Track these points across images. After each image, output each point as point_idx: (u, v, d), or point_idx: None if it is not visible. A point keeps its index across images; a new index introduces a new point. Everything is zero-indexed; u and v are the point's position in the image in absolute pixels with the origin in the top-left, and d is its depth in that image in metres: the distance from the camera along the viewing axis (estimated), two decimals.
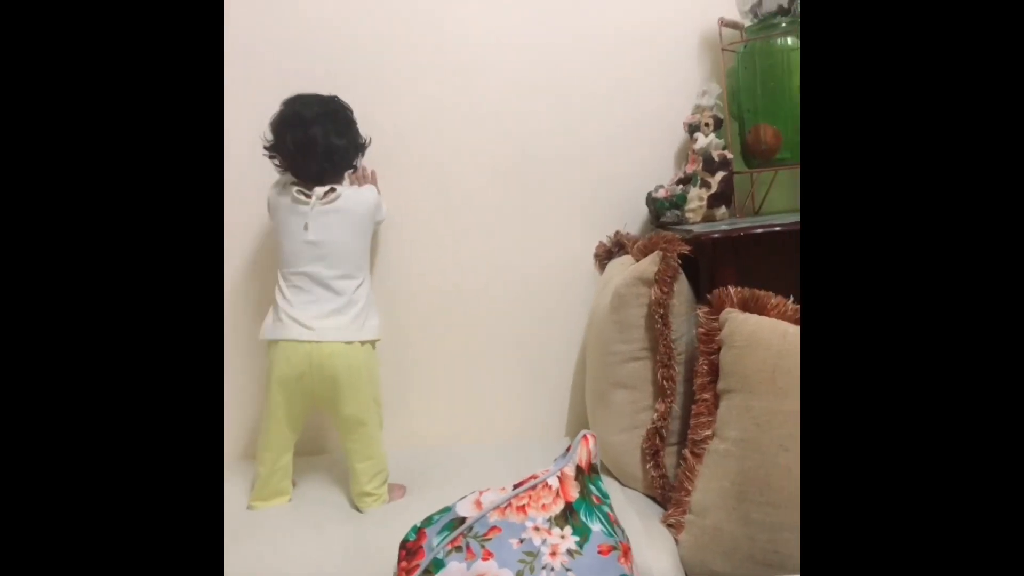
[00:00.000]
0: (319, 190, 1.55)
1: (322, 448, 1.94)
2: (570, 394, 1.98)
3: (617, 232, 1.88)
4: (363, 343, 1.57)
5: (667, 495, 1.48)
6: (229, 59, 1.78)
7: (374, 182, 1.75)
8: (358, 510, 1.57)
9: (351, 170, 1.67)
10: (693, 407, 1.43)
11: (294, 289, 1.56)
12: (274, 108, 1.59)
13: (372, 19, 1.84)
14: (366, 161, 1.77)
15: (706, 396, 1.41)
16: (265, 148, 1.60)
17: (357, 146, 1.64)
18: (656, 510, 1.48)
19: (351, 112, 1.64)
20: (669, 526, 1.40)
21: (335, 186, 1.57)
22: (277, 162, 1.61)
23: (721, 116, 1.77)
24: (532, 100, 1.89)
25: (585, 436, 1.28)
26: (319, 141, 1.54)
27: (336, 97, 1.63)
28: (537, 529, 1.18)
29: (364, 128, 1.68)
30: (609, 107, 1.90)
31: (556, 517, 1.20)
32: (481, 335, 1.95)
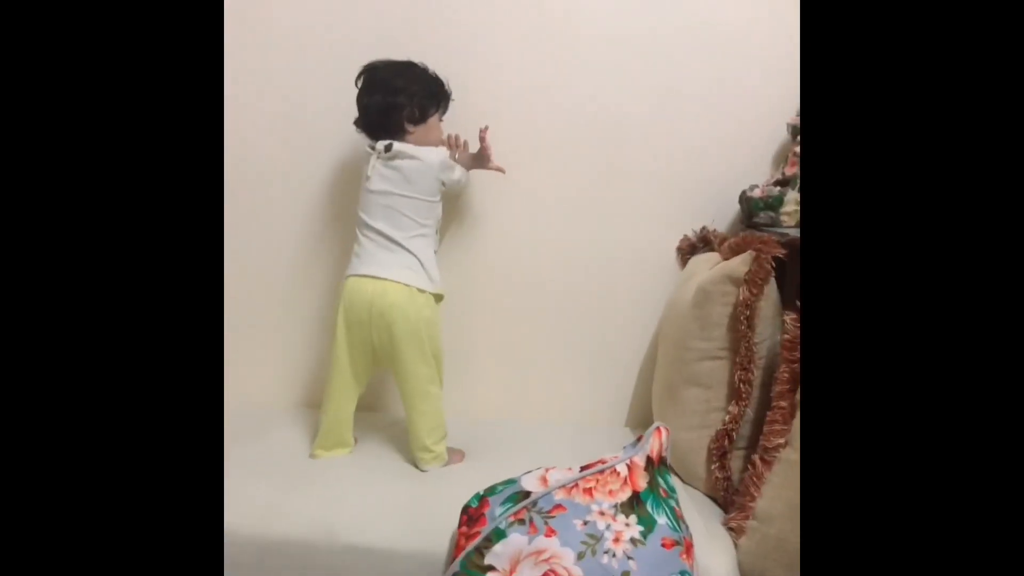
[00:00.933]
0: (380, 144, 1.62)
1: (385, 407, 1.96)
2: (635, 385, 1.96)
3: (704, 227, 1.84)
4: (423, 292, 1.60)
5: (730, 498, 1.45)
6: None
7: (459, 148, 1.76)
8: (418, 468, 1.58)
9: (411, 128, 1.66)
10: (768, 413, 1.40)
11: (362, 237, 1.63)
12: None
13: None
14: (455, 128, 1.78)
15: (783, 404, 1.38)
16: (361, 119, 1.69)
17: (417, 103, 1.65)
18: (717, 512, 1.46)
19: (423, 73, 1.67)
20: (730, 529, 1.38)
21: (394, 143, 1.62)
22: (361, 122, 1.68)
23: None
24: (630, 87, 1.86)
25: (659, 428, 1.27)
26: (378, 89, 1.63)
27: (415, 62, 1.68)
28: (602, 514, 1.17)
29: (456, 105, 1.72)
30: (709, 100, 1.86)
31: (622, 504, 1.19)
32: (552, 314, 1.94)
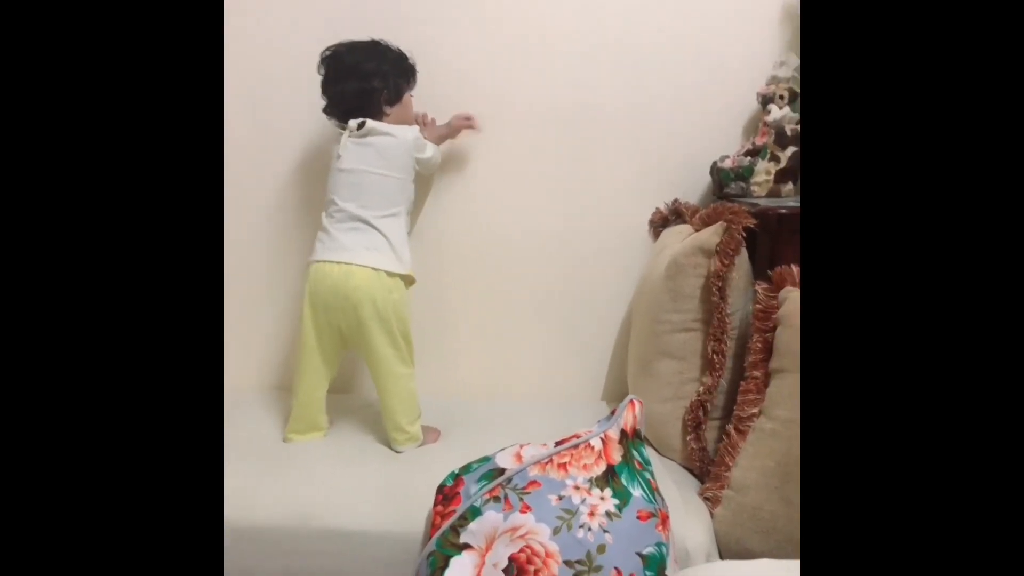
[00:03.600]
0: (353, 122, 1.59)
1: (358, 389, 1.95)
2: (610, 359, 1.96)
3: (675, 200, 1.83)
4: (391, 274, 1.57)
5: (705, 468, 1.46)
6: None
7: (427, 126, 1.75)
8: (393, 450, 1.57)
9: (384, 107, 1.64)
10: (742, 383, 1.40)
11: (331, 218, 1.60)
12: None
13: None
14: (426, 108, 1.76)
15: (756, 374, 1.38)
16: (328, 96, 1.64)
17: (391, 84, 1.63)
18: (693, 482, 1.47)
19: (388, 51, 1.64)
20: (706, 499, 1.38)
21: (367, 119, 1.59)
22: (324, 98, 1.64)
23: (797, 89, 1.71)
24: (597, 54, 1.84)
25: (632, 401, 1.26)
26: (349, 75, 1.60)
27: (378, 40, 1.64)
28: (577, 488, 1.17)
29: (422, 74, 1.69)
30: (678, 70, 1.84)
31: (597, 478, 1.19)
32: (524, 290, 1.93)
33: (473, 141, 1.84)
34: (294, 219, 1.89)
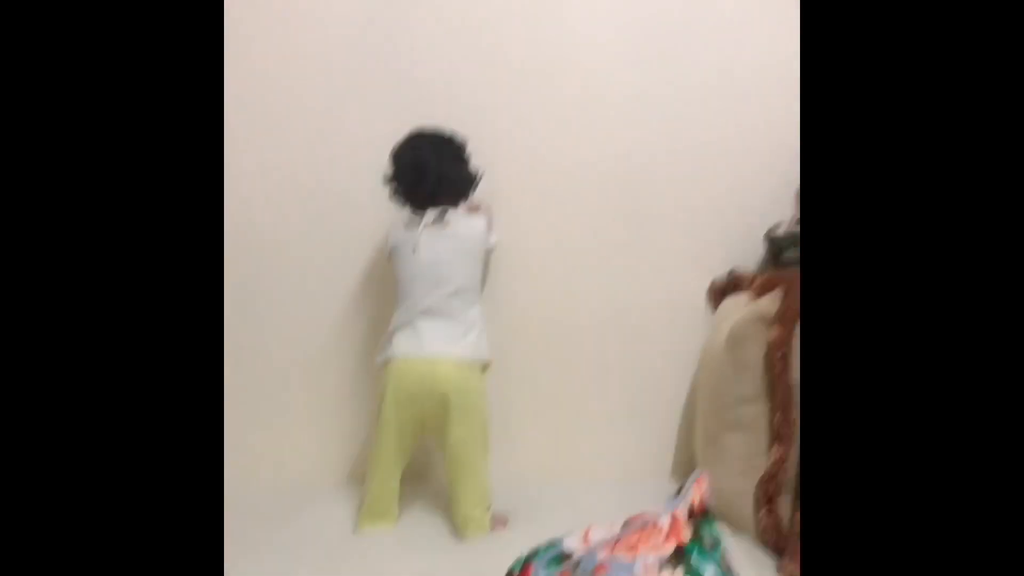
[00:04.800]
0: (430, 213, 1.62)
1: (426, 475, 1.95)
2: (676, 435, 1.93)
3: (732, 270, 1.83)
4: (474, 365, 1.59)
5: (781, 544, 1.41)
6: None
7: (488, 214, 1.78)
8: (461, 537, 1.56)
9: (463, 199, 1.70)
10: None
11: (409, 311, 1.60)
12: None
13: (487, 54, 1.88)
14: (482, 194, 1.81)
15: None
16: (385, 178, 1.66)
17: (468, 177, 1.69)
18: (768, 560, 1.42)
19: (464, 145, 1.69)
20: None
21: (445, 210, 1.63)
22: (393, 189, 1.66)
23: None
24: (649, 132, 1.88)
25: (699, 478, 1.24)
26: (430, 166, 1.62)
27: (452, 132, 1.69)
28: (647, 570, 1.14)
29: (478, 160, 1.73)
30: (729, 143, 1.87)
31: (667, 559, 1.15)
32: (586, 369, 1.93)
33: (528, 218, 1.88)
34: (355, 314, 1.93)
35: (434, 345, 1.56)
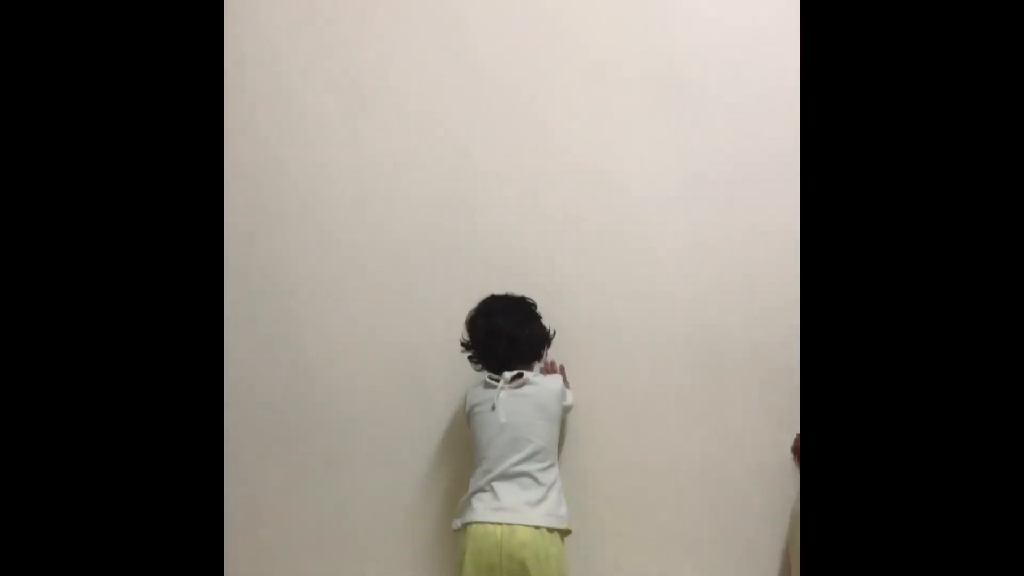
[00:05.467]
0: (507, 374, 1.66)
1: None
2: None
3: None
4: (553, 531, 1.57)
5: None
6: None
7: (562, 373, 1.82)
8: None
9: (537, 359, 1.74)
10: None
11: (487, 473, 1.61)
12: None
13: (555, 220, 1.96)
14: (555, 356, 1.85)
15: None
16: (462, 344, 1.74)
17: (541, 337, 1.75)
18: None
19: (535, 306, 1.77)
20: None
21: (522, 371, 1.66)
22: (471, 355, 1.73)
23: None
24: (718, 288, 1.90)
25: None
26: (504, 329, 1.69)
27: (522, 295, 1.77)
28: None
29: (549, 321, 1.79)
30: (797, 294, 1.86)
31: None
32: (670, 535, 1.86)
33: (603, 379, 1.89)
34: (443, 476, 1.94)
35: (512, 510, 1.56)
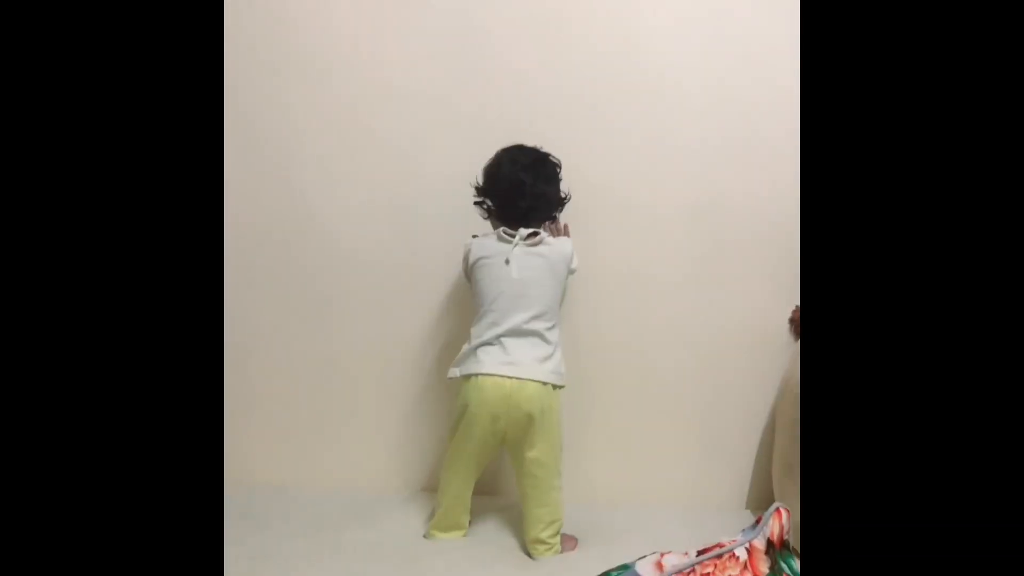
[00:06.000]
0: (523, 231, 1.62)
1: (496, 489, 1.95)
2: (754, 464, 1.88)
3: None
4: (555, 387, 1.59)
5: None
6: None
7: (567, 235, 1.79)
8: (530, 556, 1.56)
9: (551, 220, 1.71)
10: None
11: (494, 327, 1.59)
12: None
13: (574, 76, 1.88)
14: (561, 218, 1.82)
15: None
16: (477, 191, 1.68)
17: (559, 198, 1.70)
18: None
19: (559, 166, 1.70)
20: None
21: (538, 230, 1.63)
22: (486, 205, 1.68)
23: None
24: (729, 159, 1.85)
25: (778, 509, 1.21)
26: (528, 184, 1.62)
27: (547, 152, 1.70)
28: None
29: (564, 183, 1.75)
30: None
31: None
32: (663, 394, 1.90)
33: (607, 242, 1.88)
34: (428, 325, 1.95)
35: (523, 365, 1.56)
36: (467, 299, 1.74)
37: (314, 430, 1.99)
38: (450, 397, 1.72)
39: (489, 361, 1.57)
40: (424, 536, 1.64)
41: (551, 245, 1.64)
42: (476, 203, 1.69)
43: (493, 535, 1.66)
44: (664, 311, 1.89)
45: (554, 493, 1.59)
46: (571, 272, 1.71)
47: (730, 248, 1.87)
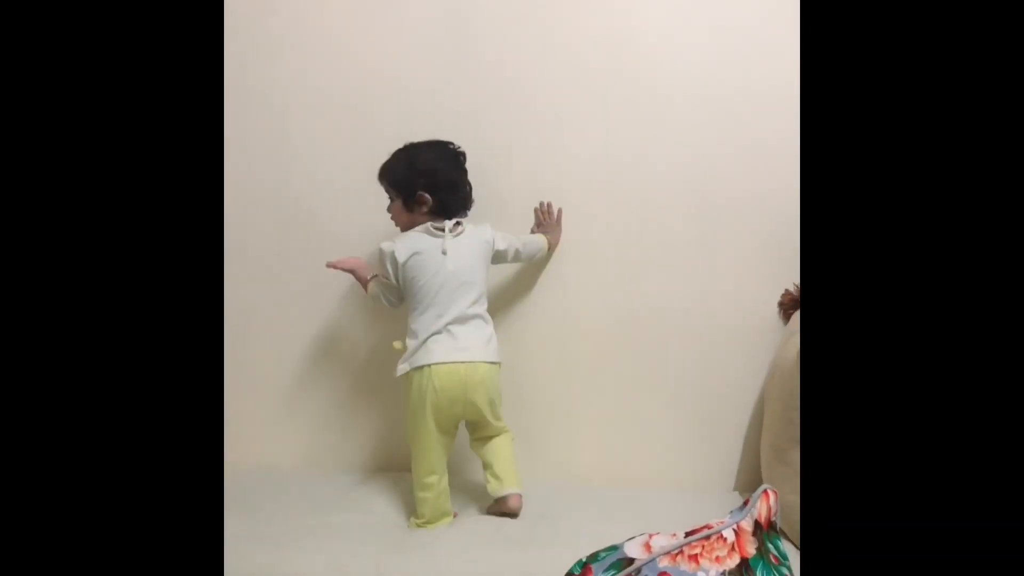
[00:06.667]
0: (449, 223, 1.68)
1: (470, 472, 1.95)
2: (742, 446, 1.89)
3: None
4: (497, 364, 1.69)
5: None
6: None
7: (559, 221, 1.84)
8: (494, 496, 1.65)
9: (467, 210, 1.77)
10: None
11: (439, 317, 1.64)
12: None
13: (562, 60, 1.88)
14: (551, 194, 1.82)
15: None
16: (412, 188, 1.68)
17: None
18: None
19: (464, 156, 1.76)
20: None
21: (460, 220, 1.71)
22: (421, 199, 1.68)
23: None
24: (720, 139, 1.85)
25: (766, 491, 1.21)
26: (460, 179, 1.72)
27: (450, 142, 1.74)
28: None
29: (550, 161, 1.80)
30: (798, 151, 1.81)
31: (730, 572, 1.14)
32: (653, 376, 1.91)
33: (598, 223, 1.88)
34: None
35: (472, 348, 1.64)
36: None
37: (304, 412, 1.99)
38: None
39: (440, 350, 1.62)
40: (411, 526, 1.65)
41: (473, 233, 1.70)
42: (410, 201, 1.70)
43: (477, 518, 1.67)
44: (653, 293, 1.89)
45: (511, 442, 1.71)
46: (497, 253, 1.75)
47: (720, 231, 1.87)
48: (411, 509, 1.69)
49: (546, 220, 1.85)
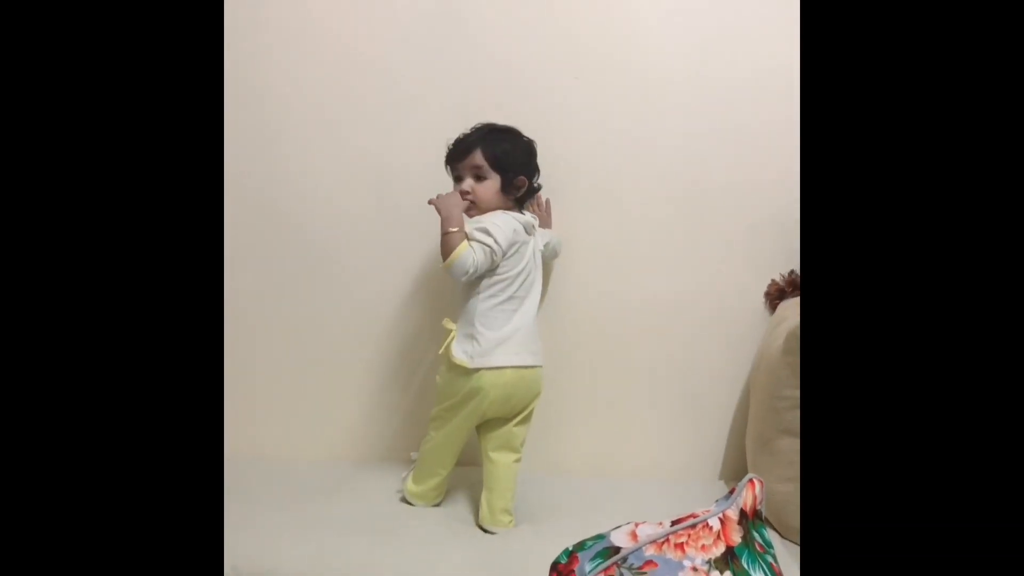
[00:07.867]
0: (535, 219, 1.67)
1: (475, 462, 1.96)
2: (728, 436, 1.90)
3: (792, 271, 1.80)
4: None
5: None
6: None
7: (549, 211, 1.83)
8: (487, 531, 1.57)
9: (530, 198, 1.74)
10: None
11: (524, 315, 1.58)
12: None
13: (553, 50, 1.87)
14: (543, 190, 1.82)
15: None
16: (523, 176, 1.64)
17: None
18: None
19: None
20: None
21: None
22: (521, 191, 1.64)
23: None
24: (708, 129, 1.85)
25: (752, 480, 1.22)
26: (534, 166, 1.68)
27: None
28: (695, 570, 1.14)
29: (541, 153, 1.74)
30: (787, 141, 1.82)
31: (716, 560, 1.15)
32: (638, 366, 1.91)
33: (585, 213, 1.88)
34: (410, 308, 1.96)
35: (535, 352, 1.61)
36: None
37: (297, 401, 1.99)
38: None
39: (509, 352, 1.55)
40: (401, 498, 1.66)
41: (539, 232, 1.67)
42: (535, 188, 1.69)
43: (468, 506, 1.68)
44: (639, 284, 1.89)
45: (517, 467, 1.62)
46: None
47: (706, 222, 1.87)
48: (406, 502, 1.69)
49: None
